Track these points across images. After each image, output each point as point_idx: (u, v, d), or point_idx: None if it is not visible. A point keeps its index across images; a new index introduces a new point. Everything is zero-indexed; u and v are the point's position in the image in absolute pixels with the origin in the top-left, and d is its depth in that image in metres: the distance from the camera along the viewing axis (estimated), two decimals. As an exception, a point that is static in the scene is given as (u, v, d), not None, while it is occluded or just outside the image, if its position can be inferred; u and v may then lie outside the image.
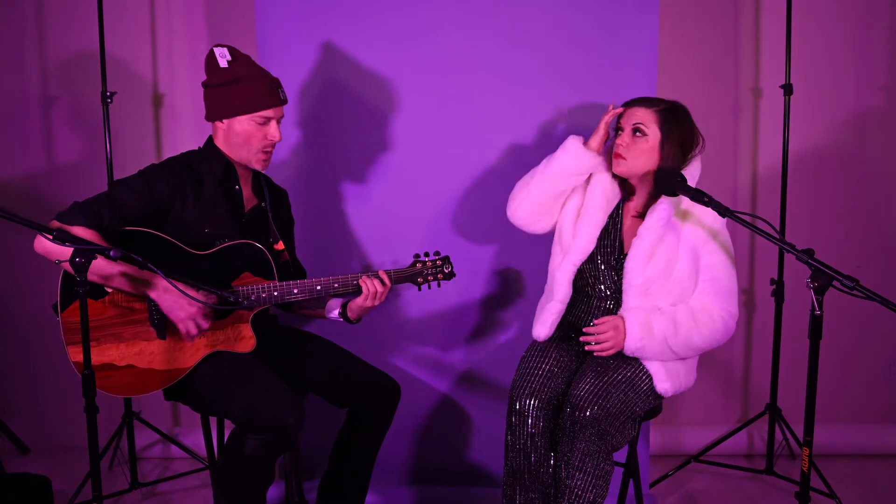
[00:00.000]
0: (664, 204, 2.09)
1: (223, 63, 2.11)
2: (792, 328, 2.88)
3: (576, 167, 2.16)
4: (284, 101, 2.17)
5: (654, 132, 2.09)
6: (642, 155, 2.10)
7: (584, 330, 2.14)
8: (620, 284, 2.14)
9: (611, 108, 2.17)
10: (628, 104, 2.16)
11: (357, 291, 2.18)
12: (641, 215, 2.16)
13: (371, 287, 2.16)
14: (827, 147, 3.04)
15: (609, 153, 2.19)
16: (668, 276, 2.10)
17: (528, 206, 2.24)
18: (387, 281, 2.19)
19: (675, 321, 2.07)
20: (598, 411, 1.98)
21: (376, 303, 2.19)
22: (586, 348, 2.12)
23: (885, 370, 3.15)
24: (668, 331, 2.06)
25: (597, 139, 2.17)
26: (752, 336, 3.15)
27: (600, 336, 2.09)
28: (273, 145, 2.17)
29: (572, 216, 2.23)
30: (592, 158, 2.16)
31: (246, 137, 2.12)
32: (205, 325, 2.04)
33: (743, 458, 3.11)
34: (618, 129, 2.16)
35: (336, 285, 2.16)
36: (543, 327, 2.21)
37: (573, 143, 2.17)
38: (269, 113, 2.12)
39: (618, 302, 2.17)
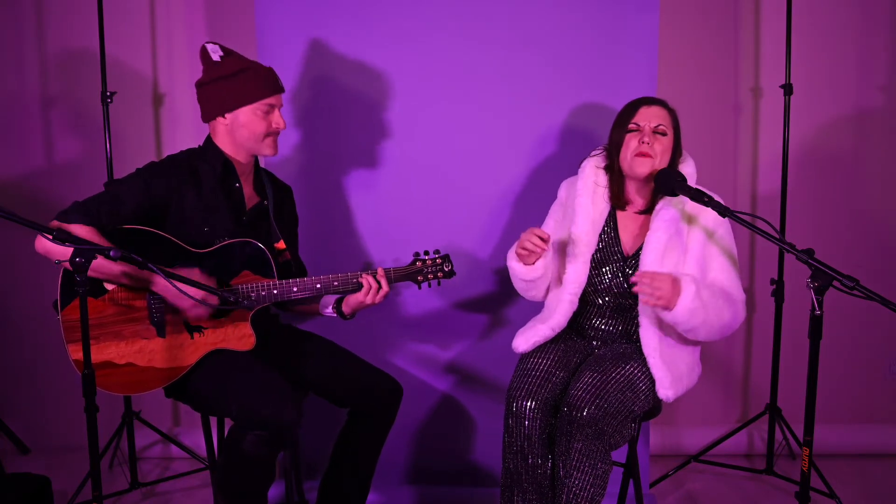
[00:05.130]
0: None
1: (216, 57, 2.14)
2: (792, 328, 2.88)
3: (525, 282, 2.22)
4: (283, 89, 2.21)
5: (670, 131, 2.13)
6: (665, 153, 2.12)
7: (639, 273, 2.00)
8: (628, 283, 2.12)
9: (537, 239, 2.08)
10: (639, 103, 2.15)
11: (357, 289, 2.18)
12: (647, 211, 2.16)
13: (373, 283, 2.17)
14: (827, 147, 3.04)
15: (620, 161, 2.15)
16: (681, 268, 2.07)
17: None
18: (385, 284, 2.18)
19: (713, 291, 2.03)
20: (595, 411, 1.97)
21: (375, 300, 2.18)
22: (636, 289, 1.98)
23: (886, 370, 3.15)
24: (711, 299, 2.00)
25: (526, 258, 2.14)
26: (752, 336, 3.15)
27: (657, 283, 1.95)
28: (278, 133, 2.19)
29: (558, 253, 2.24)
30: (535, 271, 2.17)
31: (252, 129, 2.14)
32: (214, 301, 2.01)
33: (743, 458, 3.10)
34: (629, 129, 2.13)
35: (336, 283, 2.16)
36: (525, 343, 2.20)
37: (511, 264, 2.21)
38: (272, 100, 2.15)
39: (624, 302, 2.15)
